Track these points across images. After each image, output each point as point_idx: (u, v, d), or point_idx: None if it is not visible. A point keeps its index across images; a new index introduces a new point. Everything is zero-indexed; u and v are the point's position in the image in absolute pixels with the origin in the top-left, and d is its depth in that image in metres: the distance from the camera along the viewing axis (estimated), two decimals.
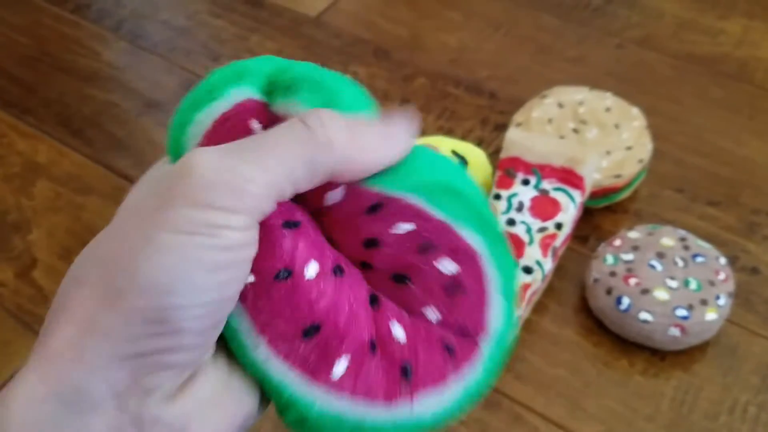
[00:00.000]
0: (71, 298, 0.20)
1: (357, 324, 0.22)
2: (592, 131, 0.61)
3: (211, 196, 0.19)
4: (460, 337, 0.23)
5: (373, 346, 0.22)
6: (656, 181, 0.64)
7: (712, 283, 0.51)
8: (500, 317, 0.23)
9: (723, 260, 0.53)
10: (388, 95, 0.72)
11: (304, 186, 0.21)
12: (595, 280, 0.53)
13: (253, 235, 0.20)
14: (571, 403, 0.50)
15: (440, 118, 0.70)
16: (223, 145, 0.20)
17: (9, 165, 0.66)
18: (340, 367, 0.21)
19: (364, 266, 0.23)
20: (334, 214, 0.23)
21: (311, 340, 0.21)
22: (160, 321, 0.19)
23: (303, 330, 0.21)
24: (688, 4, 0.81)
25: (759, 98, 0.71)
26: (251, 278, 0.21)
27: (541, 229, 0.54)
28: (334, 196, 0.23)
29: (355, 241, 0.23)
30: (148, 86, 0.74)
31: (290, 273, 0.21)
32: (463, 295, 0.23)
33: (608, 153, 0.59)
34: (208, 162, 0.20)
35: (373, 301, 0.23)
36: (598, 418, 0.49)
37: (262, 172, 0.20)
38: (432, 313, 0.23)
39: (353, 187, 0.22)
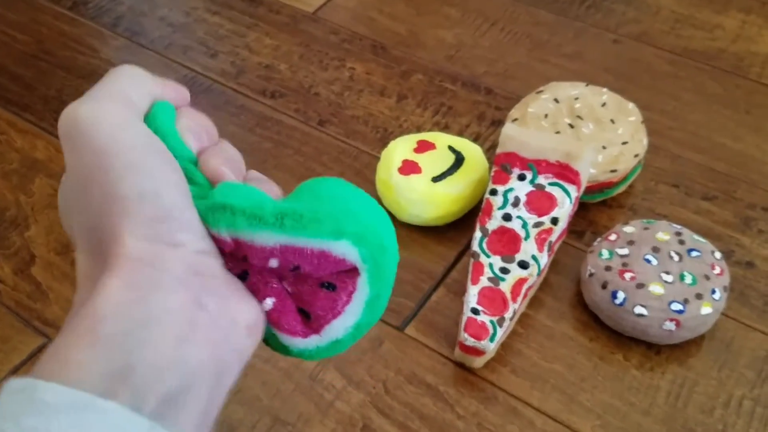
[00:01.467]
0: (103, 235, 0.26)
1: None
2: (588, 126, 0.61)
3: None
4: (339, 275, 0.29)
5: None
6: (652, 176, 0.64)
7: (707, 278, 0.52)
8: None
9: (718, 254, 0.53)
10: (385, 91, 0.72)
11: None
12: (591, 275, 0.53)
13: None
14: (567, 397, 0.50)
15: (437, 113, 0.70)
16: None
17: (7, 161, 0.67)
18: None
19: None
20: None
21: None
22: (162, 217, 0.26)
23: None
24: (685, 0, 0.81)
25: (755, 93, 0.71)
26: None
27: (537, 224, 0.54)
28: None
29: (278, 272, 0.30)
30: None
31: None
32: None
33: (604, 148, 0.60)
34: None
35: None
36: (594, 412, 0.50)
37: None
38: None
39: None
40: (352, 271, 0.29)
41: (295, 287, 0.30)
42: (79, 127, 0.26)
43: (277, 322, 0.29)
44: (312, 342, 0.30)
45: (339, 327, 0.30)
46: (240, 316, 0.27)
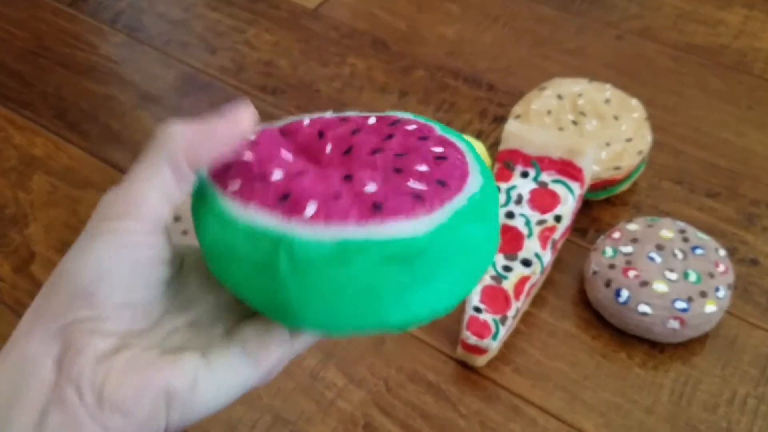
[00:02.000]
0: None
1: (325, 184, 0.27)
2: (591, 123, 0.61)
3: (112, 210, 0.26)
4: (437, 185, 0.27)
5: (339, 195, 0.27)
6: (655, 172, 0.63)
7: (711, 275, 0.51)
8: (476, 183, 0.28)
9: (722, 252, 0.53)
10: (387, 87, 0.72)
11: (184, 185, 0.28)
12: (594, 273, 0.53)
13: (156, 239, 0.27)
14: (570, 395, 0.50)
15: (439, 110, 0.69)
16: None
17: (6, 159, 0.66)
18: (310, 209, 0.26)
19: (375, 152, 0.29)
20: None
21: (286, 202, 0.27)
22: (82, 299, 0.26)
23: (278, 198, 0.27)
24: None
25: (758, 89, 0.71)
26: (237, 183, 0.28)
27: (540, 222, 0.54)
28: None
29: (377, 138, 0.29)
30: (144, 79, 0.73)
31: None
32: (447, 161, 0.28)
33: (607, 145, 0.59)
34: (110, 191, 0.27)
35: (348, 179, 0.28)
36: (597, 411, 0.49)
37: (149, 189, 0.27)
38: (421, 167, 0.28)
39: (384, 116, 0.31)
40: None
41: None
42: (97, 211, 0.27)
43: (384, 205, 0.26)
44: (373, 232, 0.25)
45: (468, 190, 0.27)
46: (116, 401, 0.26)
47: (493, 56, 0.75)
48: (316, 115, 0.32)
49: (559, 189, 0.54)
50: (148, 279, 0.27)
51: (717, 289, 0.51)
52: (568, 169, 0.55)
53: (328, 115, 0.32)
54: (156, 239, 0.27)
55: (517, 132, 0.56)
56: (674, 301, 0.50)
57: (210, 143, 0.28)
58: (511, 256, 0.53)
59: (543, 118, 0.61)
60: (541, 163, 0.55)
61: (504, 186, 0.55)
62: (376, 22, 0.79)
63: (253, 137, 0.30)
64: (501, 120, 0.68)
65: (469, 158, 0.29)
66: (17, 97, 0.72)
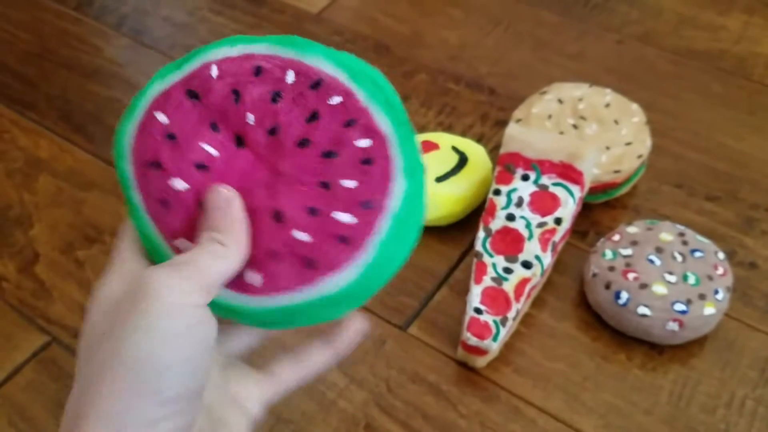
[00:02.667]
0: (94, 391, 0.26)
1: (263, 238, 0.29)
2: (591, 127, 0.61)
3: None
4: (363, 211, 0.29)
5: (276, 254, 0.29)
6: (655, 176, 0.64)
7: (710, 278, 0.52)
8: (400, 190, 0.29)
9: (721, 255, 0.53)
10: None
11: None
12: (594, 275, 0.53)
13: (206, 313, 0.28)
14: (570, 396, 0.50)
15: (440, 114, 0.70)
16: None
17: (11, 160, 0.67)
18: (257, 279, 0.29)
19: (302, 144, 0.30)
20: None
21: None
22: (158, 393, 0.26)
23: None
24: (688, 0, 0.81)
25: (758, 94, 0.71)
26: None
27: (541, 224, 0.54)
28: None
29: (301, 118, 0.30)
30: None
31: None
32: (372, 167, 0.29)
33: (607, 148, 0.60)
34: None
35: (278, 218, 0.29)
36: (597, 412, 0.50)
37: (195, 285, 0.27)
38: (347, 183, 0.29)
39: (301, 65, 0.31)
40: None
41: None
42: (144, 289, 0.26)
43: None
44: (308, 294, 0.29)
45: (393, 206, 0.29)
46: None
47: (495, 60, 0.75)
48: (218, 53, 0.32)
49: (559, 192, 0.55)
50: (205, 362, 0.28)
51: (716, 292, 0.51)
52: (568, 173, 0.55)
53: (234, 53, 0.32)
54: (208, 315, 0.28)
55: (517, 135, 0.57)
56: (673, 303, 0.50)
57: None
58: (511, 258, 0.53)
59: (544, 122, 0.62)
60: (542, 166, 0.56)
61: (505, 189, 0.56)
62: (378, 27, 0.80)
63: (166, 119, 0.30)
64: (502, 124, 0.68)
65: (392, 149, 0.30)
66: (22, 99, 0.73)
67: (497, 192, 0.56)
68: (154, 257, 0.30)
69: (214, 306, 0.29)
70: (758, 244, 0.59)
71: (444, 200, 0.58)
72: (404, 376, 0.51)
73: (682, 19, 0.79)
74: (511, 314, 0.51)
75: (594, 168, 0.58)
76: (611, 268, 0.53)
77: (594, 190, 0.59)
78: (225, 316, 0.30)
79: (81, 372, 0.27)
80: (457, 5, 0.82)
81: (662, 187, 0.63)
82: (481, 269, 0.53)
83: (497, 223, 0.55)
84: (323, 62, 0.31)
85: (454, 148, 0.60)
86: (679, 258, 0.53)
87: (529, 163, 0.56)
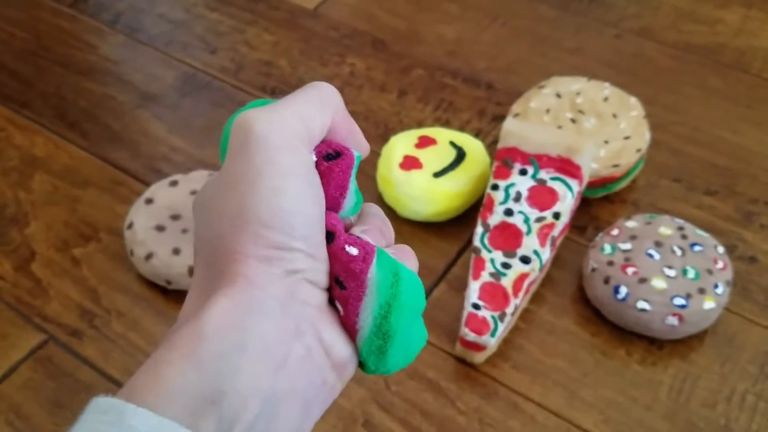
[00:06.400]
0: (225, 248, 0.26)
1: None
2: (589, 121, 0.61)
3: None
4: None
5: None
6: (654, 170, 0.64)
7: (710, 272, 0.51)
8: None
9: (721, 249, 0.53)
10: (386, 87, 0.72)
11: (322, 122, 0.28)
12: (593, 270, 0.53)
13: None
14: (569, 392, 0.50)
15: (438, 109, 0.70)
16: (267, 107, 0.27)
17: (7, 158, 0.66)
18: None
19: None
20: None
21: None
22: (288, 238, 0.25)
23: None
24: None
25: (757, 88, 0.71)
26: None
27: (539, 219, 0.54)
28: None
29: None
30: (144, 79, 0.74)
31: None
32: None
33: (606, 143, 0.59)
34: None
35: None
36: (596, 408, 0.49)
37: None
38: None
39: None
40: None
41: None
42: (249, 136, 0.26)
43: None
44: None
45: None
46: (333, 352, 0.27)
47: (492, 55, 0.75)
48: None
49: (557, 186, 0.55)
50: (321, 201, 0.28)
51: (716, 286, 0.51)
52: (566, 167, 0.55)
53: None
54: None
55: (515, 130, 0.56)
56: (673, 297, 0.50)
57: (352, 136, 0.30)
58: (510, 253, 0.53)
59: (542, 117, 0.61)
60: (540, 160, 0.55)
61: (503, 184, 0.55)
62: (375, 22, 0.79)
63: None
64: (500, 119, 0.68)
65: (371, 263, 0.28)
66: (18, 97, 0.72)
67: (495, 187, 0.55)
68: None
69: None
70: (758, 238, 0.59)
71: (442, 196, 0.57)
72: (402, 373, 0.51)
73: (680, 13, 0.79)
74: (509, 310, 0.51)
75: (592, 162, 0.58)
76: (610, 263, 0.52)
77: (593, 185, 0.59)
78: None
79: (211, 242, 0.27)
80: (454, 0, 0.82)
81: (661, 182, 0.63)
82: (479, 265, 0.52)
83: (495, 218, 0.54)
84: None
85: (452, 144, 0.60)
86: (679, 252, 0.52)
87: (527, 158, 0.56)
